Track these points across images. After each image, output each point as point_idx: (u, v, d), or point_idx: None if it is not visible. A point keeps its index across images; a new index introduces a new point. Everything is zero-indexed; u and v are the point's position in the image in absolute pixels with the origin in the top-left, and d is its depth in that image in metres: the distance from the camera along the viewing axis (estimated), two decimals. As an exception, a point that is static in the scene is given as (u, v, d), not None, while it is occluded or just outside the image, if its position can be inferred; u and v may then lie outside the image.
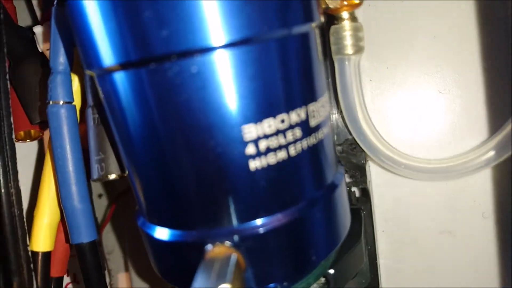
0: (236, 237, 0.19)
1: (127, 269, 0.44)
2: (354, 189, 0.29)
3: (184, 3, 0.16)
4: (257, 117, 0.18)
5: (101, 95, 0.21)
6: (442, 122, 0.28)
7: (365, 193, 0.29)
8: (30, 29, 0.35)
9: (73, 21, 0.19)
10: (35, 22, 0.37)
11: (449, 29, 0.27)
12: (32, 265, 0.28)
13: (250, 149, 0.18)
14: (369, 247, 0.29)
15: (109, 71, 0.19)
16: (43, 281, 0.30)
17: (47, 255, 0.30)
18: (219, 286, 0.16)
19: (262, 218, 0.19)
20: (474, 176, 0.28)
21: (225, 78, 0.17)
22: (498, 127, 0.25)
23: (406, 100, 0.29)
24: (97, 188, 0.44)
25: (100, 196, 0.45)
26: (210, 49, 0.16)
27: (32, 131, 0.35)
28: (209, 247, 0.19)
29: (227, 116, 0.17)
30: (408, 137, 0.29)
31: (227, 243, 0.19)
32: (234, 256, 0.18)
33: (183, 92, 0.17)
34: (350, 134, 0.27)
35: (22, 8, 0.37)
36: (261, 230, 0.19)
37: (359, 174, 0.28)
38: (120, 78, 0.19)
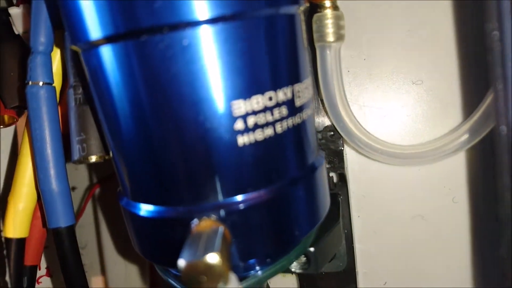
0: (222, 212, 0.19)
1: (102, 267, 0.43)
2: (332, 174, 0.30)
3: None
4: (246, 94, 0.18)
5: (87, 71, 0.21)
6: (415, 111, 0.30)
7: (343, 178, 0.30)
8: (4, 10, 0.34)
9: (60, -6, 0.19)
10: (10, 3, 0.36)
11: (423, 23, 0.29)
12: (5, 252, 0.27)
13: (239, 125, 0.18)
14: (346, 231, 0.31)
15: (97, 45, 0.19)
16: (17, 269, 0.29)
17: (21, 242, 0.29)
18: (208, 254, 0.16)
19: (248, 194, 0.19)
20: (445, 162, 0.29)
21: (216, 52, 0.17)
22: (468, 116, 0.26)
23: (382, 90, 0.30)
24: (70, 181, 0.43)
25: (73, 189, 0.44)
26: (201, 23, 0.17)
27: (6, 117, 0.34)
28: (195, 221, 0.19)
29: (216, 91, 0.18)
30: (383, 125, 0.31)
31: (213, 217, 0.19)
32: (221, 228, 0.18)
33: (174, 65, 0.17)
34: (330, 120, 0.28)
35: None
36: (246, 205, 0.19)
37: (337, 160, 0.29)
38: (107, 52, 0.19)
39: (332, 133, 0.29)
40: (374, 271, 0.33)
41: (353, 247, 0.31)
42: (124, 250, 0.40)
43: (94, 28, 0.18)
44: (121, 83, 0.19)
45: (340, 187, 0.30)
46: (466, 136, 0.25)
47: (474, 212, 0.30)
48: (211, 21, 0.17)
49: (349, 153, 0.32)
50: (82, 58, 0.21)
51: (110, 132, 0.21)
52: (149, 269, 0.40)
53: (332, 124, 0.28)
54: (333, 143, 0.29)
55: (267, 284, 0.28)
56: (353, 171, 0.32)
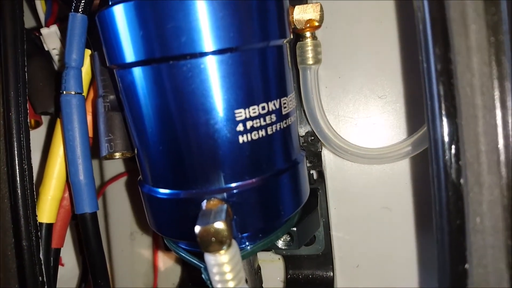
0: (225, 194, 0.25)
1: (110, 255, 0.48)
2: (312, 171, 0.37)
3: (197, 21, 0.22)
4: (246, 104, 0.24)
5: (120, 85, 0.27)
6: (380, 120, 0.36)
7: (321, 175, 0.36)
8: (33, 30, 0.40)
9: (103, 27, 0.25)
10: (38, 24, 0.41)
11: (389, 48, 0.36)
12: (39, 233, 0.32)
13: (240, 127, 0.24)
14: (323, 220, 0.36)
15: (131, 66, 0.25)
16: (45, 250, 0.34)
17: (49, 227, 0.34)
18: (216, 222, 0.22)
19: (245, 180, 0.25)
20: (406, 161, 0.36)
21: (223, 74, 0.24)
22: (421, 125, 0.33)
23: (353, 103, 0.37)
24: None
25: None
26: (212, 53, 0.23)
27: (32, 121, 0.40)
28: (204, 202, 0.25)
29: (225, 102, 0.24)
30: (355, 131, 0.37)
31: (219, 198, 0.25)
32: (225, 205, 0.24)
33: (193, 83, 0.23)
34: (310, 127, 0.34)
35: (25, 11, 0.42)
36: (243, 189, 0.25)
37: (316, 160, 0.36)
38: (139, 71, 0.24)
39: (312, 137, 0.35)
40: (348, 255, 0.39)
41: (330, 233, 0.37)
42: (131, 239, 0.45)
43: (131, 53, 0.24)
44: (149, 95, 0.25)
45: (319, 183, 0.36)
46: (410, 148, 0.32)
47: (428, 204, 0.37)
48: (219, 51, 0.23)
49: (327, 155, 0.38)
50: (117, 74, 0.27)
51: (137, 133, 0.27)
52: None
53: (312, 130, 0.34)
54: (313, 146, 0.35)
55: (258, 265, 0.34)
56: (331, 170, 0.38)
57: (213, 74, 0.23)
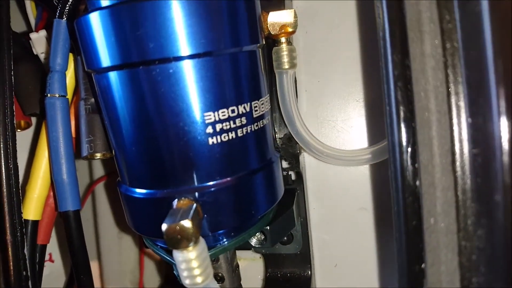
0: (196, 194, 0.26)
1: (98, 253, 0.49)
2: (290, 172, 0.38)
3: (167, 27, 0.23)
4: (215, 107, 0.25)
5: (97, 88, 0.28)
6: (356, 123, 0.37)
7: (299, 176, 0.37)
8: (24, 35, 0.41)
9: (81, 33, 0.26)
10: (29, 29, 0.43)
11: (365, 53, 0.36)
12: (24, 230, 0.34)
13: (209, 129, 0.25)
14: (301, 219, 0.37)
15: (106, 71, 0.26)
16: (31, 246, 0.35)
17: (35, 224, 0.35)
18: (182, 221, 0.23)
19: (216, 180, 0.26)
20: (383, 162, 0.37)
21: (193, 78, 0.25)
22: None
23: (332, 106, 0.38)
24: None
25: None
26: (182, 58, 0.24)
27: (22, 122, 0.41)
28: (175, 201, 0.26)
29: (194, 105, 0.25)
30: (333, 133, 0.38)
31: (189, 197, 0.26)
32: (195, 205, 0.25)
33: (163, 86, 0.24)
34: (287, 129, 0.35)
35: (16, 16, 0.43)
36: (214, 189, 0.26)
37: (294, 161, 0.37)
38: (114, 76, 0.26)
39: (290, 139, 0.36)
40: (327, 254, 0.40)
41: (307, 233, 0.38)
42: (118, 238, 0.47)
43: (105, 58, 0.25)
44: (123, 98, 0.26)
45: (297, 183, 0.37)
46: (370, 156, 0.34)
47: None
48: (189, 56, 0.24)
49: (307, 157, 0.39)
50: (94, 78, 0.28)
51: (114, 134, 0.28)
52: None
53: (289, 132, 0.35)
54: (291, 147, 0.36)
55: (237, 263, 0.35)
56: (311, 171, 0.39)
57: (182, 78, 0.24)
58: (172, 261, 0.28)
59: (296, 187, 0.37)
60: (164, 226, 0.23)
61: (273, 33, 0.31)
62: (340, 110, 0.38)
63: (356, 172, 0.38)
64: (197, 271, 0.24)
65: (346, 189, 0.39)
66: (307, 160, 0.39)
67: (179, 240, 0.23)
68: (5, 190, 0.32)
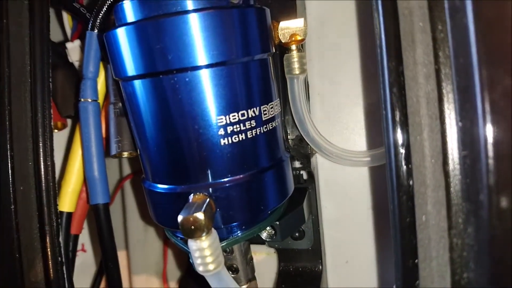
0: (210, 189, 0.29)
1: (126, 244, 0.53)
2: (302, 172, 0.40)
3: (184, 40, 0.26)
4: (227, 112, 0.28)
5: (124, 94, 0.31)
6: (368, 124, 0.39)
7: (311, 175, 0.39)
8: (60, 44, 0.45)
9: (109, 45, 0.29)
10: (65, 38, 0.47)
11: (373, 60, 0.38)
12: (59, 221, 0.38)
13: (221, 131, 0.28)
14: (313, 217, 0.39)
15: (132, 79, 0.29)
16: (65, 235, 0.39)
17: (69, 215, 0.39)
18: (196, 213, 0.26)
19: (228, 177, 0.29)
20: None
21: (207, 85, 0.27)
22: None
23: (343, 107, 0.40)
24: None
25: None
26: (197, 68, 0.27)
27: (59, 123, 0.45)
28: (191, 196, 0.29)
29: (208, 109, 0.28)
30: (345, 134, 0.40)
31: (204, 192, 0.29)
32: (208, 199, 0.28)
33: (180, 93, 0.27)
34: (299, 131, 0.37)
35: (54, 24, 0.47)
36: (226, 185, 0.29)
37: (306, 161, 0.39)
38: (138, 84, 0.29)
39: (301, 140, 0.38)
40: (338, 251, 0.42)
41: (319, 230, 0.40)
42: (144, 231, 0.50)
43: (130, 68, 0.28)
44: (146, 104, 0.29)
45: (309, 182, 0.39)
46: (369, 159, 0.35)
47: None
48: (204, 66, 0.27)
49: (319, 157, 0.41)
50: (121, 85, 0.31)
51: (138, 136, 0.31)
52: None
53: (300, 133, 0.37)
54: (302, 148, 0.38)
55: (251, 255, 0.37)
56: (323, 171, 0.41)
57: (197, 85, 0.27)
58: (188, 250, 0.31)
59: (307, 186, 0.39)
60: (180, 218, 0.26)
61: (283, 41, 0.33)
62: (352, 112, 0.39)
63: (367, 172, 0.40)
64: (209, 259, 0.27)
65: (358, 189, 0.40)
66: (319, 160, 0.41)
67: (193, 230, 0.26)
68: (43, 184, 0.36)
